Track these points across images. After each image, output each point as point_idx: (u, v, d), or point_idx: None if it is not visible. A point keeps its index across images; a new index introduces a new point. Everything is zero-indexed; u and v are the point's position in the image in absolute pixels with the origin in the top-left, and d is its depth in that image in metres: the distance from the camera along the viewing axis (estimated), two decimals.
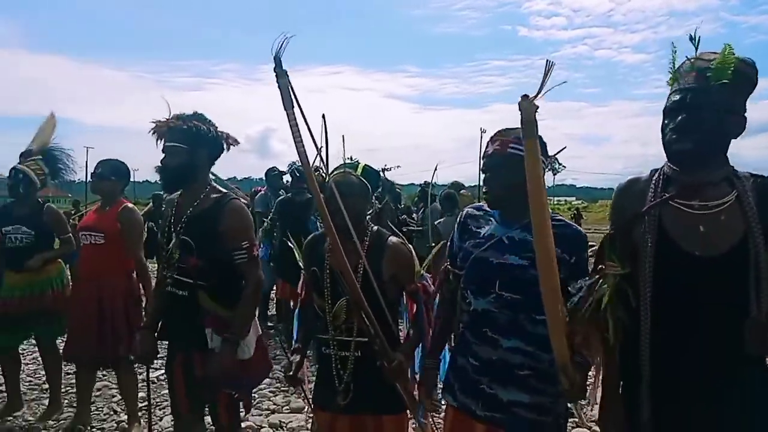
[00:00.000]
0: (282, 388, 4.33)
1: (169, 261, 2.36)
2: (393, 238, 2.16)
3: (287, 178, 6.38)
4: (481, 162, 1.88)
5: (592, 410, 2.35)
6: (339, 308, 2.08)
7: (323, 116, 2.15)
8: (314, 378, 2.29)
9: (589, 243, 1.89)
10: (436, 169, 7.07)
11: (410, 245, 2.23)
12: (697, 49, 1.52)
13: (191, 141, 2.32)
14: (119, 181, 3.52)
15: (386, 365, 1.95)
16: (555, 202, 43.82)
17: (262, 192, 6.43)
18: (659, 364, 1.50)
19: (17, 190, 3.68)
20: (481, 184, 1.91)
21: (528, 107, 1.43)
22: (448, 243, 2.04)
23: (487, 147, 1.83)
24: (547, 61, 1.42)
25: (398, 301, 2.21)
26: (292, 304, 5.01)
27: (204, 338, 2.28)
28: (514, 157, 1.69)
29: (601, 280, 1.52)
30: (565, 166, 1.87)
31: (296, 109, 1.80)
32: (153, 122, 2.37)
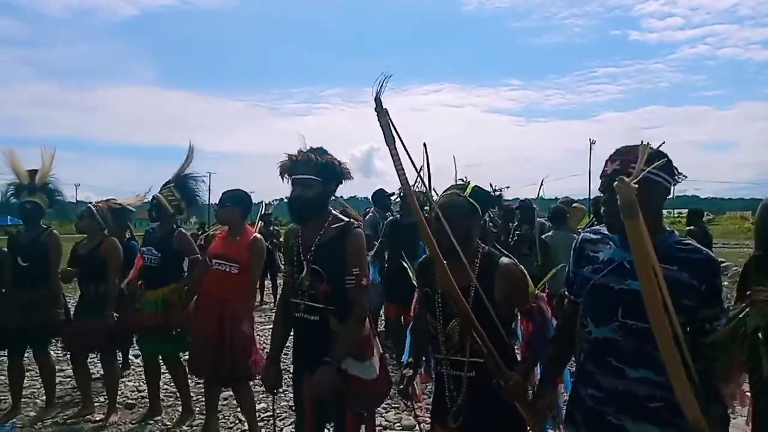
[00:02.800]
0: (393, 405, 4.40)
1: (300, 288, 2.48)
2: (504, 259, 2.15)
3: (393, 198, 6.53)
4: (600, 182, 1.78)
5: None
6: (452, 329, 2.11)
7: (424, 145, 2.21)
8: (429, 394, 2.33)
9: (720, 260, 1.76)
10: (542, 184, 6.88)
11: (521, 266, 2.21)
12: None
13: (324, 174, 2.44)
14: (239, 208, 3.72)
15: (503, 384, 1.94)
16: (676, 215, 40.57)
17: (371, 213, 6.59)
18: None
19: (151, 215, 4.14)
20: (601, 205, 1.81)
21: (626, 189, 1.36)
22: (566, 268, 1.97)
23: (606, 166, 1.74)
24: (641, 142, 1.37)
25: (513, 321, 2.19)
26: (403, 319, 5.08)
27: None
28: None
29: (748, 308, 1.40)
30: (685, 176, 1.75)
31: (398, 144, 1.84)
32: (286, 155, 2.50)
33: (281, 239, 11.25)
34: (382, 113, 1.82)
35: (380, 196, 6.63)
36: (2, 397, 4.63)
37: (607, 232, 1.82)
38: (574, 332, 1.87)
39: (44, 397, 4.54)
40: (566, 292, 1.93)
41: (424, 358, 2.46)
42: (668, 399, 1.58)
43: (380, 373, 2.51)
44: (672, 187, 1.72)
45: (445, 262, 1.91)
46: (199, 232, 13.03)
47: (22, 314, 4.18)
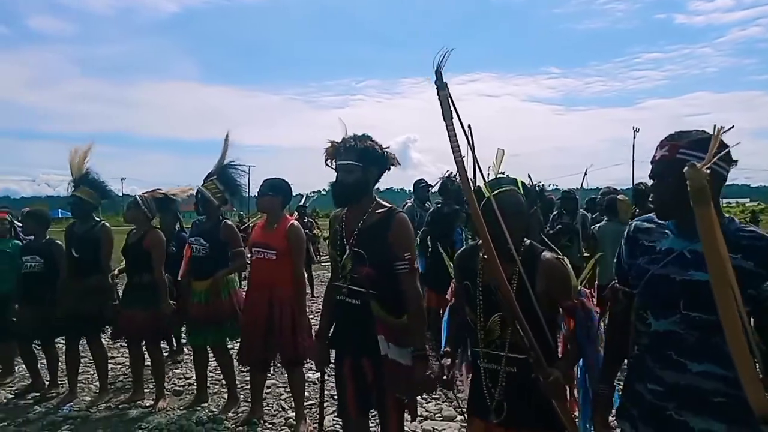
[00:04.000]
0: (433, 396, 4.41)
1: (342, 272, 2.55)
2: (546, 253, 2.13)
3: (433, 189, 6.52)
4: (651, 168, 1.73)
5: None
6: (493, 323, 2.10)
7: (469, 126, 2.19)
8: (467, 385, 2.34)
9: None
10: (586, 174, 6.73)
11: (565, 259, 2.18)
12: None
13: (365, 159, 2.49)
14: (278, 197, 3.82)
15: (542, 380, 1.93)
16: (725, 204, 39.05)
17: (409, 203, 6.61)
18: None
19: (198, 207, 4.27)
20: (650, 192, 1.78)
21: (697, 175, 1.30)
22: (615, 260, 1.94)
23: (655, 152, 1.70)
24: (714, 127, 1.31)
25: (555, 316, 2.17)
26: (441, 311, 5.08)
27: (374, 345, 2.42)
28: (684, 163, 1.58)
29: None
30: (736, 161, 1.68)
31: (455, 120, 1.83)
32: (329, 141, 2.57)
33: (315, 231, 11.45)
34: (441, 86, 1.79)
35: (419, 186, 6.63)
36: (60, 382, 4.85)
37: (661, 221, 1.77)
38: (629, 325, 1.83)
39: (98, 383, 4.75)
40: (618, 284, 1.89)
41: (460, 349, 2.46)
42: (735, 394, 1.51)
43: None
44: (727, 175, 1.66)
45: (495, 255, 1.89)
46: (238, 224, 13.38)
47: (76, 303, 4.38)
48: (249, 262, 4.19)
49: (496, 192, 2.10)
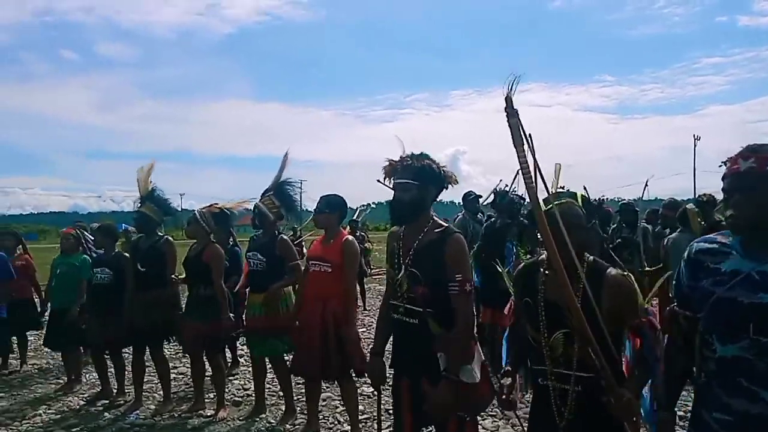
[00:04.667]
0: (490, 413, 4.35)
1: (399, 290, 2.54)
2: (612, 270, 2.07)
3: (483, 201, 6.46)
4: (727, 180, 1.65)
5: None
6: (556, 341, 2.05)
7: (530, 136, 2.16)
8: (526, 403, 2.29)
9: None
10: (647, 185, 6.52)
11: (631, 276, 2.11)
12: None
13: (422, 178, 2.50)
14: (335, 213, 3.90)
15: (614, 402, 1.87)
16: None
17: (460, 216, 6.57)
18: None
19: (254, 222, 4.41)
20: (730, 207, 1.66)
21: None
22: (674, 281, 1.87)
23: (734, 164, 1.62)
24: None
25: (620, 335, 2.10)
26: (498, 327, 5.03)
27: (432, 364, 2.41)
28: None
29: None
30: None
31: (525, 147, 1.81)
32: (387, 160, 2.59)
33: (366, 245, 11.53)
34: (512, 114, 1.79)
35: (469, 199, 6.59)
36: (127, 390, 5.06)
37: (724, 241, 1.71)
38: (691, 349, 1.76)
39: (161, 392, 4.93)
40: (678, 307, 1.82)
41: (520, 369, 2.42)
42: None
43: (482, 378, 2.51)
44: None
45: (555, 270, 1.86)
46: (291, 238, 13.65)
47: (141, 315, 4.58)
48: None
49: (551, 207, 2.07)
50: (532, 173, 1.88)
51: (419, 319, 2.47)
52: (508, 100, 1.80)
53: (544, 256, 2.17)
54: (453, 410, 2.39)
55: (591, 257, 2.14)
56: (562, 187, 2.28)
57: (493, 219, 5.71)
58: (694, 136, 39.98)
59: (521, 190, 6.80)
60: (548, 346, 2.07)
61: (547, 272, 2.13)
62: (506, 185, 6.20)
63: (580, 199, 2.16)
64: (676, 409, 1.92)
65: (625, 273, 2.09)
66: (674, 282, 1.85)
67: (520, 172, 1.87)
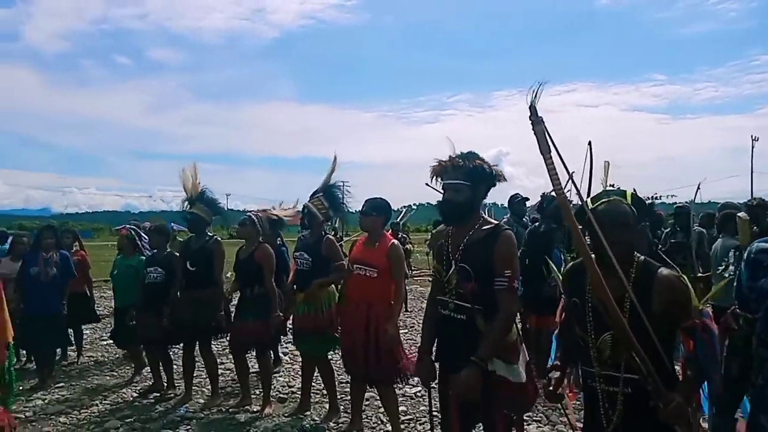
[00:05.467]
0: (534, 418, 4.28)
1: (448, 287, 2.54)
2: (664, 270, 2.02)
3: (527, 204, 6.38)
4: None
5: None
6: (603, 343, 2.02)
7: (589, 143, 2.13)
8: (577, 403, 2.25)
9: None
10: (699, 187, 6.30)
11: (683, 276, 2.05)
12: None
13: (473, 178, 2.49)
14: (381, 217, 3.94)
15: (663, 406, 1.83)
16: None
17: (506, 219, 6.48)
18: None
19: (303, 222, 4.49)
20: None
21: None
22: (735, 283, 1.81)
23: None
24: None
25: (672, 337, 2.05)
26: (545, 332, 4.96)
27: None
28: None
29: None
30: None
31: (553, 153, 1.81)
32: (436, 160, 2.58)
33: (407, 246, 11.53)
34: (537, 122, 1.80)
35: (515, 201, 6.50)
36: (178, 384, 5.24)
37: None
38: (750, 353, 1.70)
39: (209, 387, 5.07)
40: (738, 309, 1.76)
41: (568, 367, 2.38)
42: None
43: (527, 378, 2.49)
44: None
45: (599, 271, 1.83)
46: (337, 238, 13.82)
47: (191, 313, 4.73)
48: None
49: (597, 204, 2.04)
50: (562, 179, 1.84)
51: (467, 315, 2.46)
52: (532, 108, 1.79)
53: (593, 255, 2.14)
54: (475, 395, 2.35)
55: (641, 257, 2.09)
56: (612, 185, 2.24)
57: (537, 224, 5.63)
58: (751, 137, 38.31)
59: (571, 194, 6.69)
60: (596, 348, 2.05)
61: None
62: (548, 192, 6.12)
63: (629, 198, 2.11)
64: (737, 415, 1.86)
65: (678, 274, 2.04)
66: (735, 284, 1.80)
67: (550, 177, 1.84)
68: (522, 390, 2.46)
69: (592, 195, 2.15)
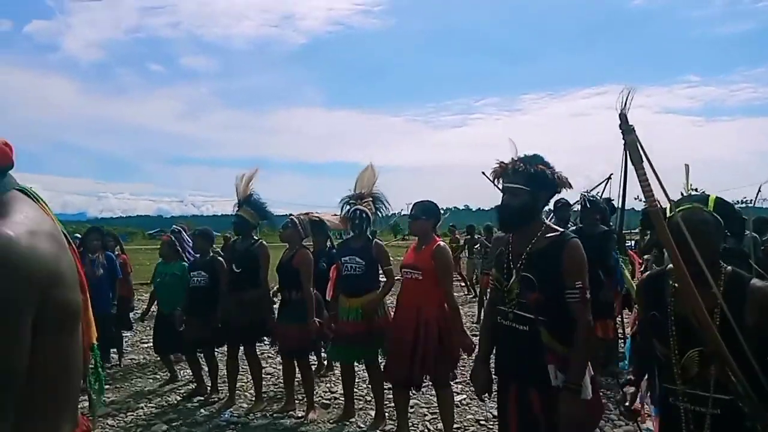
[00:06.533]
0: (604, 429, 4.15)
1: (509, 296, 2.46)
2: (757, 281, 1.92)
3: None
4: None
5: None
6: (690, 360, 1.92)
7: (624, 146, 2.03)
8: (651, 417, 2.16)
9: None
10: (760, 190, 6.04)
11: None
12: None
13: (533, 183, 2.40)
14: (431, 220, 3.88)
15: (760, 428, 1.72)
16: None
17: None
18: None
19: (360, 227, 4.38)
20: None
21: None
22: None
23: None
24: None
25: (765, 353, 1.93)
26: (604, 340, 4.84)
27: (542, 375, 2.32)
28: None
29: None
30: None
31: (645, 164, 1.72)
32: (497, 162, 2.51)
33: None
34: (628, 131, 1.72)
35: (559, 206, 6.35)
36: (221, 387, 5.25)
37: None
38: None
39: (252, 391, 5.07)
40: None
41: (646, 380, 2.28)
42: None
43: (593, 394, 2.39)
44: None
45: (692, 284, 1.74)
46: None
47: (236, 315, 4.73)
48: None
49: (677, 212, 1.94)
50: (652, 189, 1.76)
51: (530, 326, 2.37)
52: (623, 117, 1.71)
53: (671, 265, 2.04)
54: (581, 421, 2.28)
55: (729, 267, 1.99)
56: (695, 190, 2.13)
57: (582, 225, 5.49)
58: None
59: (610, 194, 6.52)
60: (680, 366, 1.94)
61: (676, 284, 2.00)
62: (587, 191, 5.97)
63: (711, 203, 2.01)
64: None
65: None
66: None
67: (642, 188, 1.76)
68: (588, 407, 2.35)
69: (674, 200, 2.04)
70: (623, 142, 1.72)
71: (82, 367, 1.02)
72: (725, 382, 1.80)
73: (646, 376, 2.26)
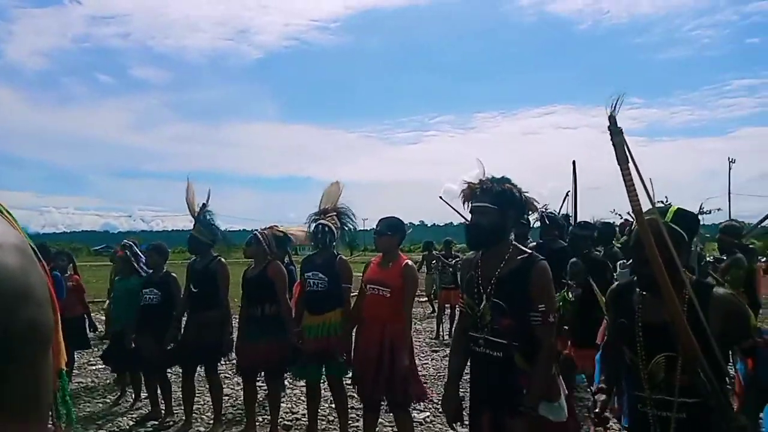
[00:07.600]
0: None
1: (481, 322, 2.42)
2: (719, 289, 1.99)
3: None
4: None
5: None
6: (656, 366, 1.97)
7: (573, 163, 2.10)
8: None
9: None
10: (701, 208, 6.35)
11: (739, 297, 2.02)
12: None
13: (501, 202, 2.40)
14: (396, 236, 3.83)
15: (728, 427, 1.77)
16: None
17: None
18: None
19: (324, 241, 4.26)
20: None
21: None
22: None
23: None
24: None
25: (727, 357, 2.01)
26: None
27: (516, 399, 2.30)
28: None
29: None
30: None
31: (630, 165, 1.77)
32: (465, 182, 2.51)
33: None
34: (616, 132, 1.76)
35: (519, 223, 6.45)
36: (176, 411, 5.02)
37: None
38: None
39: (209, 414, 4.87)
40: None
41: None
42: None
43: (569, 414, 2.41)
44: None
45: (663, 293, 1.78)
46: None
47: (196, 335, 4.56)
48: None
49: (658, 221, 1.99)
50: (638, 191, 1.81)
51: (504, 352, 2.35)
52: (612, 119, 1.76)
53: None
54: None
55: (694, 277, 2.06)
56: (662, 201, 2.21)
57: (541, 242, 5.59)
58: (729, 159, 38.96)
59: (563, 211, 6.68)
60: (647, 371, 1.99)
61: (644, 293, 2.05)
62: (545, 206, 6.10)
63: (670, 214, 2.04)
64: None
65: (733, 293, 2.01)
66: None
67: (626, 189, 1.81)
68: (565, 428, 2.37)
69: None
70: (611, 143, 1.76)
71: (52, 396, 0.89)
72: (692, 386, 1.84)
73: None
